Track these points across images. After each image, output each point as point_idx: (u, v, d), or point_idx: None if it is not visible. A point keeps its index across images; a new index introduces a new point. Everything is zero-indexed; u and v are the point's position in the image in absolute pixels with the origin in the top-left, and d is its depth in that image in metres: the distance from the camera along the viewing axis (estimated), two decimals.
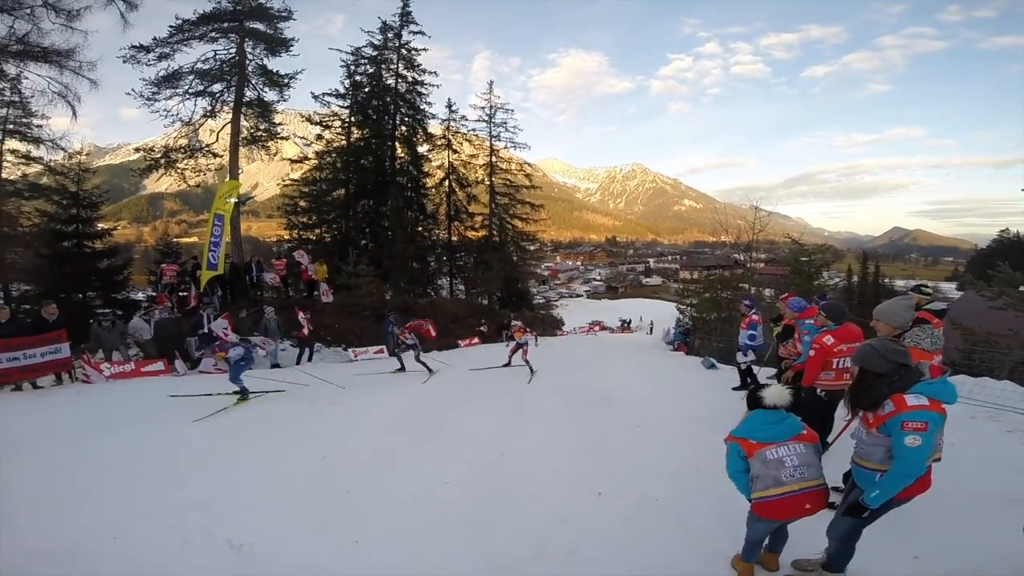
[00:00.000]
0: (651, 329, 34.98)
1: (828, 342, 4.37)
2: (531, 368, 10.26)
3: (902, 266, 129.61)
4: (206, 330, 10.70)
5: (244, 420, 6.14)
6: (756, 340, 8.16)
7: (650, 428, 6.17)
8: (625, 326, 36.95)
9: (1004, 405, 5.72)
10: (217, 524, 3.62)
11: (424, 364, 10.37)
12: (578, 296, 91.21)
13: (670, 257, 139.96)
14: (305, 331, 12.03)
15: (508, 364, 11.13)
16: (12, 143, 14.34)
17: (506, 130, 27.71)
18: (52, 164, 15.30)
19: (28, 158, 14.77)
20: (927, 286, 5.03)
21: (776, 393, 2.74)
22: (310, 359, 12.34)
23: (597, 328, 37.28)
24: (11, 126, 14.11)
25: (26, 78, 13.83)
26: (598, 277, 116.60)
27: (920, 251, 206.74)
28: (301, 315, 12.08)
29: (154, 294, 15.20)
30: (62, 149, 14.84)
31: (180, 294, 13.64)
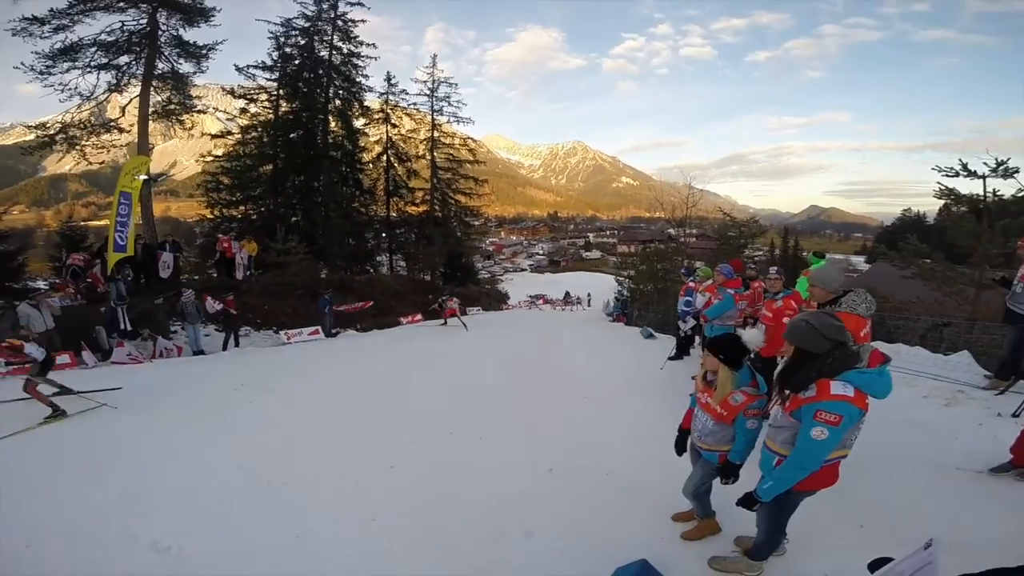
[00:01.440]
0: (589, 301, 35.93)
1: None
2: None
3: (818, 241, 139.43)
4: (123, 327, 9.98)
5: (156, 413, 5.67)
6: (691, 306, 8.49)
7: (595, 400, 6.27)
8: (568, 300, 37.72)
9: (918, 371, 5.92)
10: (140, 525, 3.33)
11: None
12: (522, 270, 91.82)
13: (609, 232, 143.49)
14: (211, 311, 11.27)
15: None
16: None
17: (449, 104, 27.12)
18: None
19: None
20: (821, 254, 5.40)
21: (752, 336, 2.60)
22: (236, 344, 11.63)
23: (541, 301, 37.81)
24: None
25: None
26: (541, 252, 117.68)
27: (834, 227, 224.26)
28: (210, 300, 11.24)
29: (57, 280, 13.69)
30: None
31: (88, 281, 12.34)
